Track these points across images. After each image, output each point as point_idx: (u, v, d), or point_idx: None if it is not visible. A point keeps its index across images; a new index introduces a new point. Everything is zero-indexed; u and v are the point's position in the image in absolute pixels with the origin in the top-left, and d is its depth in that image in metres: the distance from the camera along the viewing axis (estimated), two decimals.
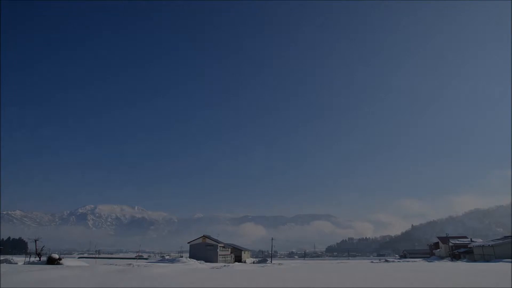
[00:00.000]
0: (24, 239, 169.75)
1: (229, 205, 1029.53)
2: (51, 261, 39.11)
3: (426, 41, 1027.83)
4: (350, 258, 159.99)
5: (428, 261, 69.91)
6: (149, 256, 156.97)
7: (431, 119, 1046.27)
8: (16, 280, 19.54)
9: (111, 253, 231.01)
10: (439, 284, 18.67)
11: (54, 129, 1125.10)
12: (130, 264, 46.58)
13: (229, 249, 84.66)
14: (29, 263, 44.37)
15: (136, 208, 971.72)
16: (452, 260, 73.34)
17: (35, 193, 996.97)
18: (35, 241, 51.64)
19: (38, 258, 48.42)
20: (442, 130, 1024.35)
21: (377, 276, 24.41)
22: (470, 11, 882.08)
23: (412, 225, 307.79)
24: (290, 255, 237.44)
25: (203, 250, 72.81)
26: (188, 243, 77.92)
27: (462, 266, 41.06)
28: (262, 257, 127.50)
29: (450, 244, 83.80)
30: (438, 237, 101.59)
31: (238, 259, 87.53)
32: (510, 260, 47.84)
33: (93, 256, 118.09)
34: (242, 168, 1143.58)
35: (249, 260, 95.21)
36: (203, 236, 77.85)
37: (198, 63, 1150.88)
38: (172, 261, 59.99)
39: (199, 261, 60.85)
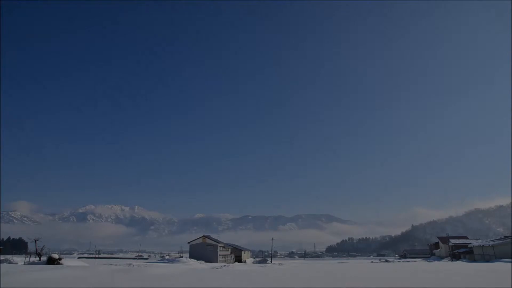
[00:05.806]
0: (24, 239, 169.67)
1: (229, 205, 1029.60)
2: (51, 261, 39.07)
3: (425, 42, 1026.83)
4: (350, 258, 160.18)
5: (428, 261, 70.07)
6: (149, 256, 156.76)
7: (437, 122, 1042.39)
8: (16, 280, 19.55)
9: (111, 253, 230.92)
10: (439, 284, 18.68)
11: (54, 129, 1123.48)
12: (130, 264, 46.51)
13: (229, 249, 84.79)
14: (29, 263, 44.32)
15: (136, 208, 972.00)
16: (452, 260, 73.49)
17: (35, 193, 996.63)
18: (35, 241, 51.55)
19: (38, 258, 48.35)
20: (448, 134, 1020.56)
21: (377, 276, 24.43)
22: (470, 11, 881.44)
23: (412, 225, 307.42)
24: (290, 255, 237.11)
25: (203, 250, 72.93)
26: (188, 243, 78.04)
27: (462, 266, 41.09)
28: (262, 257, 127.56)
29: (450, 244, 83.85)
30: (438, 237, 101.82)
31: (238, 259, 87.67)
32: (510, 260, 47.85)
33: (93, 256, 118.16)
34: (242, 168, 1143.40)
35: (249, 260, 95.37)
36: (203, 236, 78.02)
37: (198, 57, 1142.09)
38: (172, 261, 59.96)
39: (199, 261, 60.87)
